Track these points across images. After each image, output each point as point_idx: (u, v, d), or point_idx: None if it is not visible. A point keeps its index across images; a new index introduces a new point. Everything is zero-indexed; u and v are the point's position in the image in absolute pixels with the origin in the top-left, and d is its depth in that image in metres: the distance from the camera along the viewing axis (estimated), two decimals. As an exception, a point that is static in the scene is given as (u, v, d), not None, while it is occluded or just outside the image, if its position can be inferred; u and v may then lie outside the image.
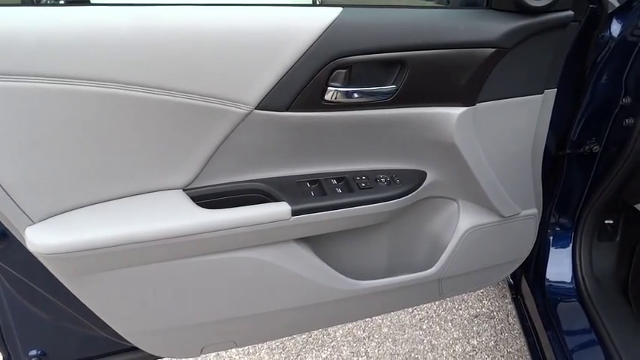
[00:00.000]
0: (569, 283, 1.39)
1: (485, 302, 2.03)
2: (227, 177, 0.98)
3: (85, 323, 1.04)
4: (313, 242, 1.08)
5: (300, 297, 1.08)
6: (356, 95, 0.93)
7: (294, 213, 0.95)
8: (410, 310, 1.99)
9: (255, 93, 0.86)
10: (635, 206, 1.23)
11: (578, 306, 1.33)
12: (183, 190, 0.95)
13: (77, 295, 0.92)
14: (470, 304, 2.03)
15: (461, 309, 2.00)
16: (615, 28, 1.21)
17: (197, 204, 0.94)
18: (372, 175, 1.06)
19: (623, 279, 1.50)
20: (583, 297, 1.34)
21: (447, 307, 2.02)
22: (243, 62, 0.84)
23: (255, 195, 1.00)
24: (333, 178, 1.04)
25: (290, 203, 0.96)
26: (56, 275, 0.89)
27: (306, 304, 1.10)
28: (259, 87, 0.85)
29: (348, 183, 1.04)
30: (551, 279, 1.42)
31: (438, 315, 1.97)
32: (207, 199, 0.98)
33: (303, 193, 1.00)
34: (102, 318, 0.97)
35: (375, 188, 1.04)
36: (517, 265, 1.37)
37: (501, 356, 1.77)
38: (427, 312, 1.99)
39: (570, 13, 0.96)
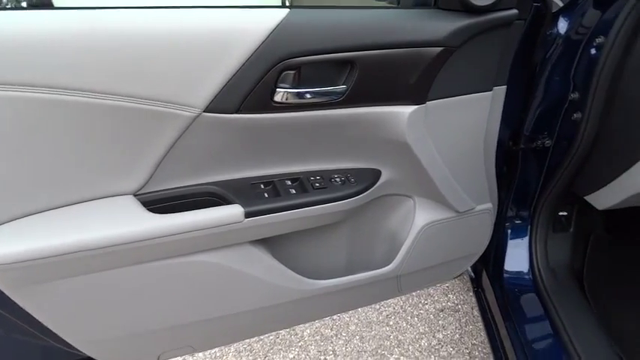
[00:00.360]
0: (526, 275, 1.42)
1: (451, 296, 2.07)
2: (179, 181, 0.97)
3: (37, 335, 1.01)
4: (270, 243, 1.08)
5: (256, 299, 1.08)
6: (306, 96, 0.93)
7: (248, 215, 0.95)
8: (377, 306, 2.01)
9: (203, 96, 0.85)
10: (585, 198, 1.27)
11: (534, 297, 1.36)
12: (134, 195, 0.94)
13: (24, 307, 0.90)
14: (436, 298, 2.06)
15: (427, 303, 2.03)
16: (562, 25, 1.24)
17: (149, 209, 0.92)
18: (327, 175, 1.06)
19: (578, 269, 1.54)
20: (539, 288, 1.37)
21: (414, 302, 2.04)
22: (189, 65, 0.83)
23: (209, 198, 0.99)
24: (288, 179, 1.04)
25: (243, 205, 0.95)
26: (0, 286, 0.86)
27: (263, 306, 1.10)
28: (207, 89, 0.85)
29: (303, 183, 1.04)
30: (509, 271, 1.45)
31: (405, 310, 1.99)
32: (160, 203, 0.96)
33: (257, 194, 0.99)
34: (52, 329, 0.95)
35: (329, 188, 1.04)
36: (474, 260, 1.39)
37: (465, 348, 1.80)
38: (394, 308, 2.00)
39: (514, 11, 0.99)
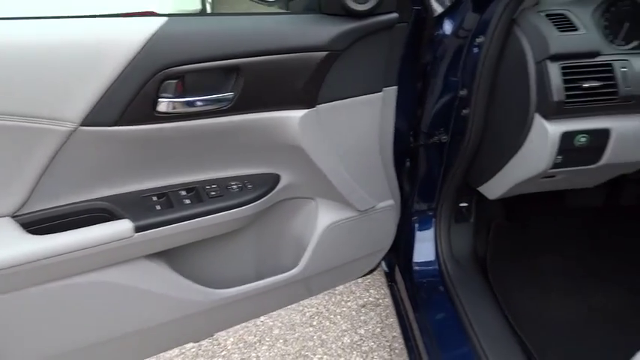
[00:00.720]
0: (432, 266, 1.48)
1: (372, 291, 2.12)
2: (64, 198, 0.93)
3: None
4: (169, 256, 1.05)
5: (158, 314, 1.05)
6: (194, 104, 0.92)
7: (138, 229, 0.92)
8: (300, 308, 2.02)
9: (78, 109, 0.81)
10: (479, 189, 1.34)
11: (440, 287, 1.42)
12: (12, 217, 0.88)
13: None
14: (358, 294, 2.10)
15: (349, 300, 2.07)
16: (447, 27, 1.30)
17: (31, 230, 0.87)
18: (224, 183, 1.05)
19: (482, 256, 1.63)
20: (444, 278, 1.43)
21: (336, 300, 2.07)
22: (61, 78, 0.79)
23: (98, 214, 0.96)
24: (183, 190, 1.02)
25: (133, 220, 0.92)
26: None
27: (166, 321, 1.07)
28: (81, 103, 0.81)
29: (198, 193, 1.02)
30: (417, 264, 1.50)
31: (328, 309, 2.02)
32: (44, 223, 0.91)
33: (149, 207, 0.97)
34: None
35: (225, 196, 1.03)
36: (381, 256, 1.43)
37: (386, 341, 1.85)
38: (317, 308, 2.02)
39: (394, 15, 1.02)
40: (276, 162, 1.09)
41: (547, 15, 1.07)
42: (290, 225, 1.23)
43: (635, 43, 1.16)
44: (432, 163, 1.48)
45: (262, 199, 1.07)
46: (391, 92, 1.16)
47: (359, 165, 1.18)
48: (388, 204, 1.31)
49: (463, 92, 1.27)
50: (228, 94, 0.94)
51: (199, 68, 0.88)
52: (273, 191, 1.10)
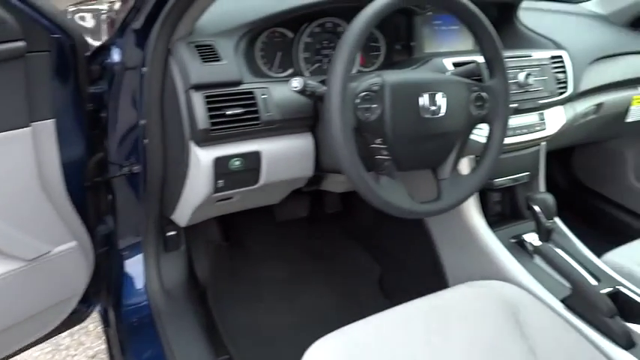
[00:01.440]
0: (142, 303, 1.40)
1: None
2: None
3: None
4: None
5: None
6: None
7: None
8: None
9: None
10: (171, 218, 1.32)
11: (149, 324, 1.36)
12: None
13: None
14: (88, 345, 1.91)
15: (77, 354, 1.86)
16: (116, 56, 1.27)
17: None
18: None
19: (202, 281, 1.63)
20: (154, 314, 1.37)
21: (62, 356, 1.84)
22: None
23: None
24: None
25: None
26: None
27: None
28: None
29: None
30: (126, 302, 1.41)
31: (50, 370, 1.78)
32: None
33: None
34: None
35: None
36: (75, 302, 1.30)
37: (117, 390, 1.71)
38: (37, 371, 1.77)
39: (21, 44, 0.93)
40: None
41: (196, 46, 1.10)
42: None
43: (290, 71, 1.29)
44: (131, 195, 1.42)
45: None
46: (46, 126, 1.06)
47: (16, 210, 1.04)
48: (69, 246, 1.19)
49: (143, 122, 1.24)
50: None
51: None
52: None
